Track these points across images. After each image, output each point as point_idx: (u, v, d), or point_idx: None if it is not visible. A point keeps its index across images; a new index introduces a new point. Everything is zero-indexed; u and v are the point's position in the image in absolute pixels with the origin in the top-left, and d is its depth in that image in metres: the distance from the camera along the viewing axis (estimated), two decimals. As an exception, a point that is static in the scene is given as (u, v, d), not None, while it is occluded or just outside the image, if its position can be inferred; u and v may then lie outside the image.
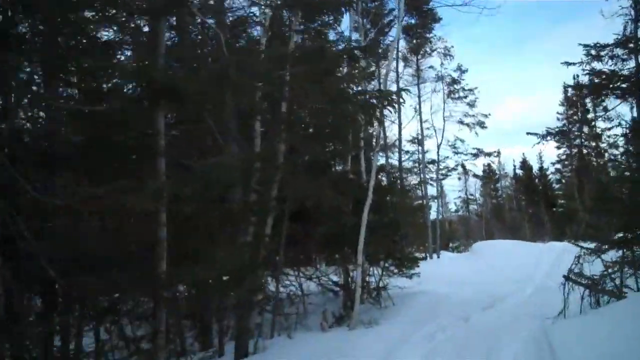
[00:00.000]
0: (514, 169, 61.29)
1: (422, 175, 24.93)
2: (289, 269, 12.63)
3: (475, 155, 24.11)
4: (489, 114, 25.90)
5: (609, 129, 52.38)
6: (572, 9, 75.08)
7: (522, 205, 56.26)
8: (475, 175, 24.94)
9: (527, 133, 32.89)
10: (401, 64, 26.14)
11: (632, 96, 11.02)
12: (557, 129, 53.01)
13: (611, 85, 11.01)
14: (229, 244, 8.87)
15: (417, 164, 27.10)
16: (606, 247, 9.09)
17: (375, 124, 11.58)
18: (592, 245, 9.46)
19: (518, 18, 70.75)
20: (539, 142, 35.33)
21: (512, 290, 13.25)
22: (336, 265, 12.99)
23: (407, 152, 26.87)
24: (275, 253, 10.85)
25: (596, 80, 10.97)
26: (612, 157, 53.83)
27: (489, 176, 26.03)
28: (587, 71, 10.75)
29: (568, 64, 11.23)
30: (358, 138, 12.29)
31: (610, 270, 8.60)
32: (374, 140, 12.38)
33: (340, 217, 10.94)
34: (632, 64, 10.66)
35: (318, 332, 10.10)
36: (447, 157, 26.44)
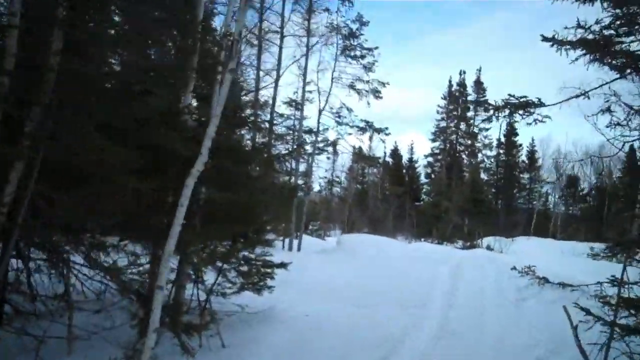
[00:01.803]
0: (384, 156, 59.35)
1: (294, 146, 20.27)
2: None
3: (363, 130, 19.73)
4: (387, 83, 21.38)
5: (486, 130, 52.36)
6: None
7: (386, 196, 54.28)
8: (358, 154, 19.88)
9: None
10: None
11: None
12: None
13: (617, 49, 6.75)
14: None
15: (291, 132, 22.37)
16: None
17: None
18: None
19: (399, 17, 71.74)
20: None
21: (405, 326, 8.95)
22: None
23: (280, 115, 22.06)
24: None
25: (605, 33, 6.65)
26: (485, 159, 53.64)
27: (370, 158, 21.35)
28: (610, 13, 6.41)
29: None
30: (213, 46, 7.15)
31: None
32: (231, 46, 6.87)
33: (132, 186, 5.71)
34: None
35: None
36: (328, 128, 21.96)
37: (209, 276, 8.42)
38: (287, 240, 19.71)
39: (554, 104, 7.58)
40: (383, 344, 7.75)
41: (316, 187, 62.78)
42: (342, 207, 53.14)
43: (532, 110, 7.91)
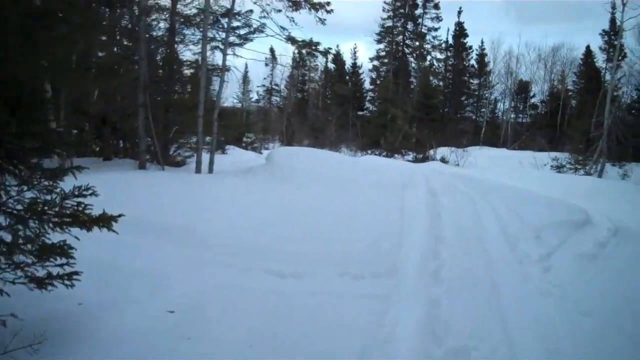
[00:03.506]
0: (326, 63, 54.12)
1: (204, 32, 14.78)
2: None
3: (295, 4, 14.16)
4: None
5: (436, 29, 47.49)
6: None
7: (328, 104, 49.76)
8: (291, 39, 14.41)
9: None
10: None
11: None
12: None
13: None
14: None
15: (200, 14, 16.90)
16: None
17: None
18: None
19: None
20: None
21: (362, 329, 4.56)
22: None
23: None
24: None
25: None
26: (434, 62, 49.11)
27: (309, 43, 15.85)
28: None
29: None
30: None
31: None
32: None
33: None
34: None
35: None
36: (252, 10, 16.30)
37: None
38: (198, 164, 14.70)
39: None
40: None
41: (254, 97, 57.73)
42: (281, 117, 48.68)
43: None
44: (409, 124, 34.21)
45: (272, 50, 47.13)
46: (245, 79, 57.87)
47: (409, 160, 28.84)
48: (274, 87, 56.54)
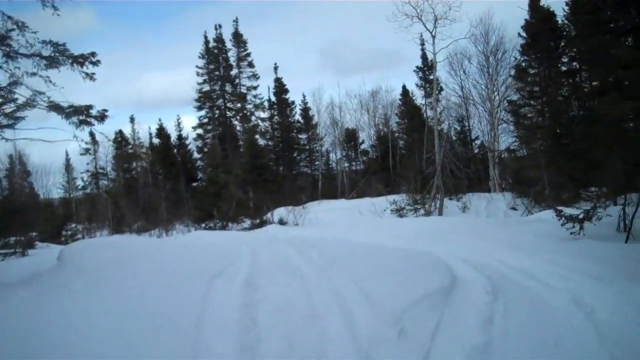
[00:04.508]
0: (150, 138, 50.68)
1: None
2: None
3: (53, 62, 10.70)
4: None
5: (255, 87, 46.24)
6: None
7: (158, 180, 46.16)
8: (54, 107, 11.17)
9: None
10: None
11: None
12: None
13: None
14: None
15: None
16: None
17: None
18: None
19: None
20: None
21: None
22: None
23: None
24: None
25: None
26: (260, 122, 47.61)
27: (77, 110, 12.67)
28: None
29: None
30: None
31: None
32: None
33: None
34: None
35: None
36: (16, 81, 12.44)
37: None
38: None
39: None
40: None
41: (80, 184, 52.27)
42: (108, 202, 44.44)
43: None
44: (243, 189, 31.82)
45: (92, 134, 42.86)
46: (68, 167, 52.64)
47: (245, 228, 26.28)
48: (99, 170, 51.90)
